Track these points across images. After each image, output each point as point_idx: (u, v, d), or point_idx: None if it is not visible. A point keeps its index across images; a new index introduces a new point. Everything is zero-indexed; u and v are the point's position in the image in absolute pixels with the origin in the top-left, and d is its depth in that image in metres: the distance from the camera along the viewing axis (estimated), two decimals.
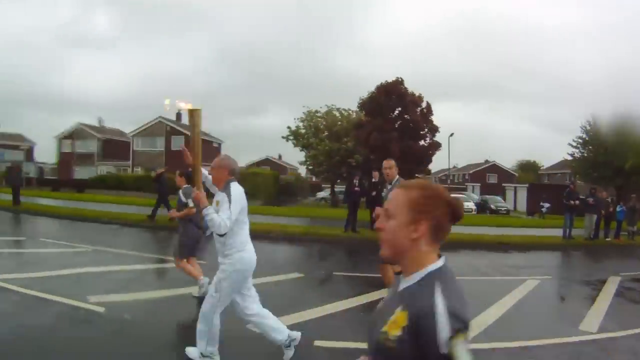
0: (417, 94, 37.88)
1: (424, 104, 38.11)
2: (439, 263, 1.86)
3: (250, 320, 5.71)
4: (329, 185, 49.12)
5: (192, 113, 4.75)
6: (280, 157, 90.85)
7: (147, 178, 36.78)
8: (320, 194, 58.93)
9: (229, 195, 5.13)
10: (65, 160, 69.19)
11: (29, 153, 76.78)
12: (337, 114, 47.15)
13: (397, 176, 8.66)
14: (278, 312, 7.37)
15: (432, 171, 55.85)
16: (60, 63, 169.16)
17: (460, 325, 1.63)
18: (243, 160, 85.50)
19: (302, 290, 9.74)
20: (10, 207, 24.36)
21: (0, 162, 38.95)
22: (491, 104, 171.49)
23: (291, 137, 48.29)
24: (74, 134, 69.28)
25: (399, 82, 37.78)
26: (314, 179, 63.94)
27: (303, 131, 47.49)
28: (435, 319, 1.64)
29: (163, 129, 62.28)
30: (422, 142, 37.84)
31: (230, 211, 5.03)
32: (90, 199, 32.96)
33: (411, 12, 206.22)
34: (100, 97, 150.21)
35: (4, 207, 24.40)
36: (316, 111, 47.77)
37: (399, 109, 37.76)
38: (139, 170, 57.33)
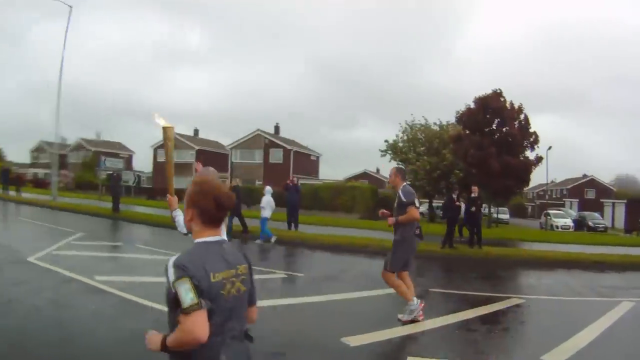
0: (515, 106, 36.51)
1: (522, 116, 36.62)
2: (202, 239, 2.64)
3: None
4: (427, 200, 48.41)
5: (165, 129, 5.29)
6: (378, 170, 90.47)
7: (245, 190, 37.20)
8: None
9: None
10: (160, 169, 71.46)
11: (129, 161, 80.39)
12: (437, 128, 46.57)
13: (404, 183, 8.53)
14: (374, 326, 7.62)
15: (530, 186, 54.45)
16: (157, 77, 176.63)
17: (181, 273, 2.37)
18: (341, 174, 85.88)
19: (398, 305, 9.69)
20: (110, 214, 25.93)
21: (102, 169, 40.93)
22: (588, 116, 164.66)
23: (389, 152, 48.04)
24: None
25: (497, 94, 36.67)
26: None
27: (400, 144, 47.11)
28: (167, 270, 2.43)
29: (261, 142, 63.02)
30: (521, 157, 36.75)
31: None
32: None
33: (502, 24, 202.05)
34: (196, 110, 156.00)
35: (105, 215, 26.11)
36: (421, 125, 47.26)
37: (498, 120, 36.67)
38: (237, 180, 57.62)
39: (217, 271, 2.49)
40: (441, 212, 31.76)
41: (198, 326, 2.32)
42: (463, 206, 19.75)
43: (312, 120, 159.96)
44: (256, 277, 9.60)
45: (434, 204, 47.45)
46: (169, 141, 5.40)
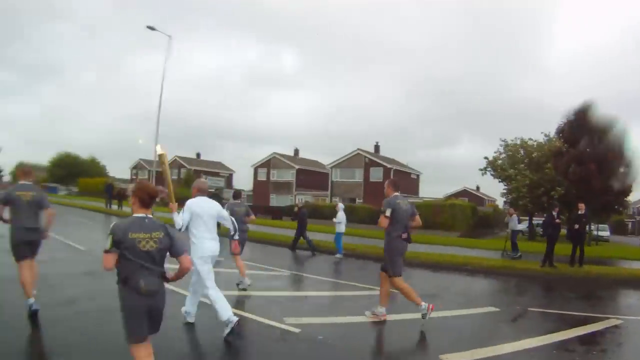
0: (612, 118, 33.51)
1: (618, 127, 33.34)
2: (136, 215, 4.49)
3: (205, 294, 7.65)
4: (526, 218, 47.06)
5: (161, 156, 7.01)
6: (478, 188, 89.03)
7: (346, 209, 37.19)
8: (518, 227, 57.22)
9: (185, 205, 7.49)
10: (260, 187, 73.37)
11: (229, 180, 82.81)
12: (534, 143, 45.32)
13: (394, 193, 8.98)
14: (472, 345, 7.68)
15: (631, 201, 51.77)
16: (255, 99, 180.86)
17: (110, 231, 4.23)
18: (440, 192, 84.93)
19: (497, 324, 9.73)
20: None
21: None
22: None
23: (489, 169, 47.28)
24: (270, 164, 73.36)
25: (595, 106, 34.15)
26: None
27: (500, 162, 46.23)
28: (110, 226, 4.30)
29: (361, 160, 63.21)
30: (621, 170, 33.58)
31: (182, 215, 7.43)
32: (288, 226, 33.97)
33: (591, 31, 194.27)
34: (295, 131, 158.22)
35: None
36: (523, 141, 46.06)
37: (596, 135, 33.81)
38: (337, 200, 58.42)
39: (134, 232, 4.28)
40: (541, 229, 31.01)
41: (106, 260, 4.22)
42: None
43: (411, 139, 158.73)
44: (353, 293, 10.27)
45: (534, 222, 46.25)
46: (163, 164, 7.11)
